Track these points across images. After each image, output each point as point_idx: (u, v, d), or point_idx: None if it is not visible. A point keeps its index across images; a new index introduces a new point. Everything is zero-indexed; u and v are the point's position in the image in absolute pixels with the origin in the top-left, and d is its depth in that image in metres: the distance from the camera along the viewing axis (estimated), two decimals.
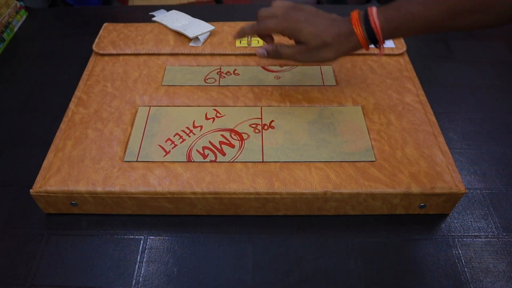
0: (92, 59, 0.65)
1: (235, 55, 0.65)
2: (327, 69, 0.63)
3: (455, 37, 0.78)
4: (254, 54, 0.65)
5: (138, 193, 0.46)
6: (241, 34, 0.51)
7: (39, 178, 0.48)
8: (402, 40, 0.67)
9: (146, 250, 0.46)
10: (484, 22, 0.43)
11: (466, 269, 0.45)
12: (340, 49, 0.48)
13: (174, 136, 0.52)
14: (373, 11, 0.45)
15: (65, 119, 0.55)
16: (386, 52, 0.65)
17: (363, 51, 0.64)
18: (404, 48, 0.66)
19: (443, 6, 0.42)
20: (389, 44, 0.66)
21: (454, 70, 0.70)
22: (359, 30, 0.46)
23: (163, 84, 0.60)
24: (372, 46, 0.48)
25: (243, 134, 0.52)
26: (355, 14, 0.47)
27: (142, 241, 0.47)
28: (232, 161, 0.49)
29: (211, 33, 0.68)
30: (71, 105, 0.56)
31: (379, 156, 0.50)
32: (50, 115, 0.62)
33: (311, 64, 0.63)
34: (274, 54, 0.50)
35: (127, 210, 0.49)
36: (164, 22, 0.71)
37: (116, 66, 0.63)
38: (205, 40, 0.67)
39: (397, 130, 0.53)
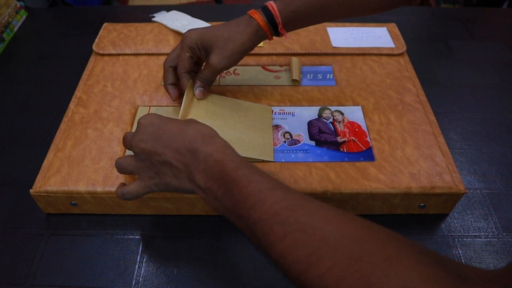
0: (92, 59, 0.65)
1: None
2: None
3: (455, 37, 0.78)
4: (254, 54, 0.65)
5: None
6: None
7: (39, 178, 0.48)
8: (402, 40, 0.67)
9: (146, 250, 0.46)
10: (380, 3, 0.46)
11: None
12: (241, 39, 0.48)
13: None
14: (271, 1, 0.49)
15: (65, 119, 0.55)
16: (386, 52, 0.65)
17: (363, 51, 0.65)
18: (404, 48, 0.66)
19: None
20: (389, 44, 0.66)
21: (454, 70, 0.70)
22: (257, 15, 0.48)
23: (163, 84, 0.60)
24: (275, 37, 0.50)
25: None
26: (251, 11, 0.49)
27: (142, 241, 0.47)
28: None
29: None
30: (71, 105, 0.56)
31: (379, 156, 0.50)
32: (50, 115, 0.62)
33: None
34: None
35: (127, 210, 0.49)
36: (164, 22, 0.71)
37: (116, 66, 0.63)
38: None
39: (397, 130, 0.53)
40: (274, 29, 0.49)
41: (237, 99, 0.56)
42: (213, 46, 0.49)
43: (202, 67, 0.52)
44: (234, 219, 0.35)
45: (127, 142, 0.42)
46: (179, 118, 0.49)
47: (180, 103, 0.51)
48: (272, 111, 0.55)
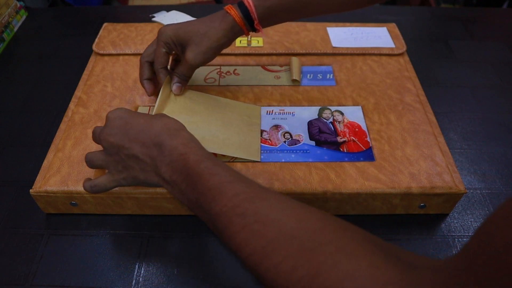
0: (92, 59, 0.65)
1: (235, 55, 0.65)
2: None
3: (455, 37, 0.78)
4: (254, 54, 0.65)
5: (138, 193, 0.46)
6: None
7: (39, 178, 0.48)
8: (402, 40, 0.67)
9: (146, 250, 0.46)
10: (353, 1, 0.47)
11: None
12: (216, 35, 0.48)
13: None
14: None
15: (65, 119, 0.55)
16: (386, 52, 0.65)
17: (363, 51, 0.65)
18: (404, 48, 0.66)
19: None
20: (389, 44, 0.66)
21: (454, 70, 0.70)
22: (233, 10, 0.48)
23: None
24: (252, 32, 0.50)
25: None
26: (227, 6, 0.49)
27: (142, 241, 0.47)
28: (232, 161, 0.49)
29: None
30: (71, 105, 0.56)
31: (379, 156, 0.50)
32: (50, 115, 0.62)
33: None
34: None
35: (127, 210, 0.49)
36: (164, 22, 0.71)
37: (116, 66, 0.63)
38: None
39: (397, 130, 0.53)
40: (250, 24, 0.49)
41: (223, 98, 0.56)
42: (188, 42, 0.49)
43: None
44: (198, 212, 0.36)
45: (96, 136, 0.43)
46: (153, 113, 0.49)
47: (156, 99, 0.51)
48: (269, 111, 0.55)
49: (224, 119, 0.52)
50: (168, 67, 0.53)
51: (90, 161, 0.43)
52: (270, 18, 0.50)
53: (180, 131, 0.39)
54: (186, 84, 0.53)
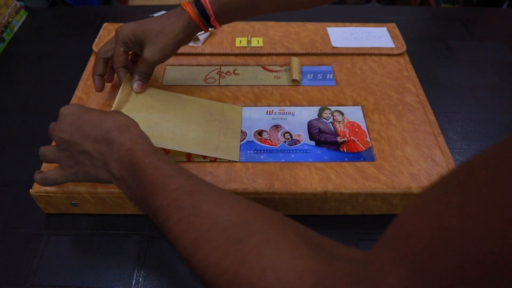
0: (92, 59, 0.65)
1: (235, 55, 0.65)
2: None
3: (455, 37, 0.78)
4: (254, 54, 0.65)
5: None
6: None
7: None
8: (402, 40, 0.67)
9: (146, 250, 0.46)
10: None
11: None
12: (173, 32, 0.49)
13: None
14: None
15: None
16: (386, 52, 0.65)
17: (363, 51, 0.65)
18: (404, 48, 0.66)
19: None
20: (389, 44, 0.66)
21: (454, 70, 0.70)
22: (189, 7, 0.49)
23: (163, 84, 0.60)
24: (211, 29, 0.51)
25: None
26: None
27: (142, 241, 0.47)
28: (232, 161, 0.49)
29: (211, 33, 0.68)
30: None
31: (379, 156, 0.50)
32: (50, 115, 0.62)
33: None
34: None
35: (127, 210, 0.49)
36: None
37: None
38: (205, 40, 0.67)
39: (397, 130, 0.53)
40: (206, 21, 0.50)
41: (185, 95, 0.56)
42: (145, 40, 0.50)
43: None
44: (143, 207, 0.36)
45: (49, 132, 0.43)
46: (112, 109, 0.49)
47: (111, 95, 0.51)
48: (269, 111, 0.55)
49: (184, 115, 0.52)
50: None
51: (42, 156, 0.44)
52: (227, 14, 0.50)
53: (130, 127, 0.40)
54: (147, 81, 0.53)
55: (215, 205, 0.32)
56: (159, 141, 0.47)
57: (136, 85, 0.52)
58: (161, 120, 0.50)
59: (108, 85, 0.59)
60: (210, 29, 0.51)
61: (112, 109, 0.49)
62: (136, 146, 0.37)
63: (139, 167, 0.36)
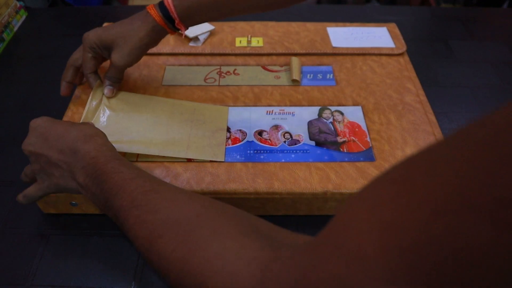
0: None
1: (235, 55, 0.65)
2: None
3: (455, 37, 0.78)
4: (254, 54, 0.65)
5: None
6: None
7: None
8: (402, 40, 0.67)
9: None
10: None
11: None
12: (138, 35, 0.49)
13: None
14: None
15: (65, 119, 0.54)
16: (386, 52, 0.65)
17: (363, 51, 0.65)
18: (404, 48, 0.66)
19: None
20: (389, 44, 0.66)
21: (454, 70, 0.70)
22: (153, 10, 0.49)
23: (163, 84, 0.60)
24: (179, 32, 0.51)
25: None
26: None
27: None
28: (232, 161, 0.49)
29: (211, 33, 0.68)
30: (71, 105, 0.56)
31: (379, 156, 0.50)
32: (50, 115, 0.61)
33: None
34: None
35: None
36: None
37: None
38: (205, 40, 0.67)
39: (397, 130, 0.53)
40: (172, 24, 0.50)
41: (159, 97, 0.56)
42: (112, 45, 0.50)
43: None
44: (107, 212, 0.37)
45: (22, 147, 0.44)
46: (83, 116, 0.51)
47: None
48: (269, 111, 0.55)
49: (154, 118, 0.52)
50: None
51: (23, 176, 0.45)
52: (192, 17, 0.50)
53: (95, 137, 0.41)
54: (117, 86, 0.54)
55: (169, 202, 0.33)
56: (129, 146, 0.48)
57: (106, 90, 0.52)
58: (131, 124, 0.51)
59: None
60: (178, 31, 0.51)
61: (83, 115, 0.50)
62: (99, 154, 0.39)
63: (102, 172, 0.37)
